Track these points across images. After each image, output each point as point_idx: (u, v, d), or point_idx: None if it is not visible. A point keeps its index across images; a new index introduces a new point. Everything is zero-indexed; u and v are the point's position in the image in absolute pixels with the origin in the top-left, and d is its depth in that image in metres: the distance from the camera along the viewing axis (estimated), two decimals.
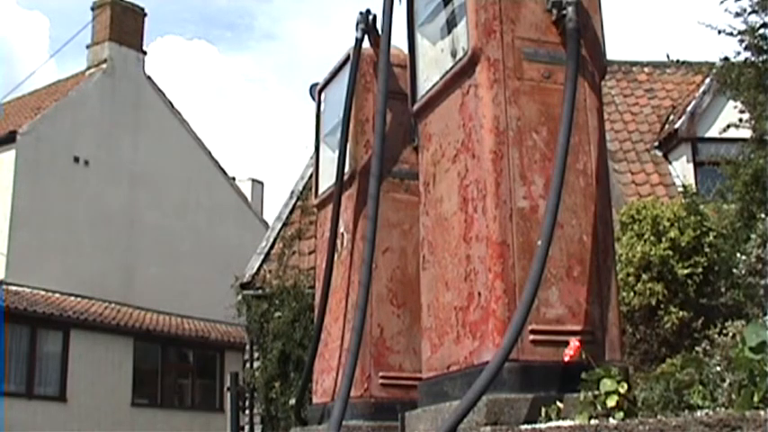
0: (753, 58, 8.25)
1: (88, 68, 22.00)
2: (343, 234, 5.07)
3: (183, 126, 23.35)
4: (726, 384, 2.83)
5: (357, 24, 5.08)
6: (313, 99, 5.73)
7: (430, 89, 3.99)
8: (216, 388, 20.79)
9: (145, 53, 22.80)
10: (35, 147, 19.54)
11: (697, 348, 4.88)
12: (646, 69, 15.76)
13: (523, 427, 3.02)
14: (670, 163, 13.68)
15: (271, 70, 70.22)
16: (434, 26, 4.15)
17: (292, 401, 8.16)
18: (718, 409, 2.72)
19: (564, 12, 3.62)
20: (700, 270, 7.53)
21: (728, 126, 8.99)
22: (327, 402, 4.87)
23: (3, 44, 45.51)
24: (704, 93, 13.34)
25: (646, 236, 7.67)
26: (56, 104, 20.67)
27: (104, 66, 21.70)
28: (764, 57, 8.17)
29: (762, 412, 2.23)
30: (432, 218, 3.91)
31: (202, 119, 55.49)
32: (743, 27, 8.20)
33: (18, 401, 16.85)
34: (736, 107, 9.20)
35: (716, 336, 5.12)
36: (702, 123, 13.35)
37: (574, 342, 3.22)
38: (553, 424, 2.98)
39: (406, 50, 4.37)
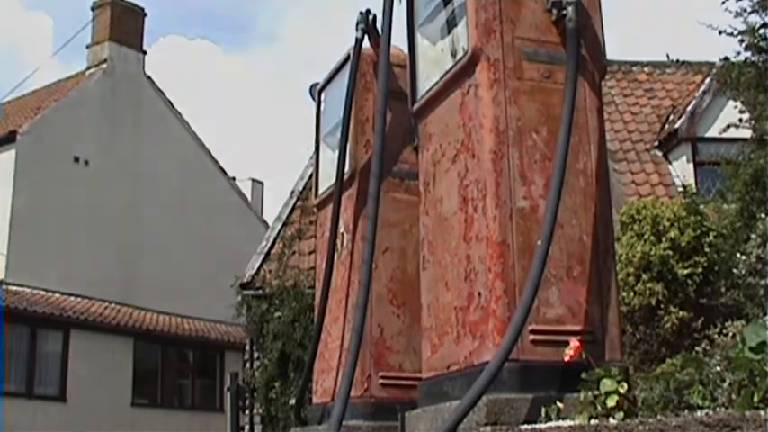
0: (753, 58, 8.25)
1: (88, 68, 22.02)
2: (343, 234, 5.07)
3: (183, 126, 23.35)
4: (726, 384, 2.83)
5: (357, 24, 5.08)
6: (313, 99, 5.73)
7: (430, 89, 3.98)
8: (216, 388, 20.80)
9: (145, 53, 22.82)
10: (35, 147, 19.53)
11: (697, 348, 4.90)
12: (646, 69, 15.77)
13: (523, 427, 3.02)
14: (670, 163, 13.69)
15: (271, 70, 70.24)
16: (434, 26, 4.15)
17: (292, 401, 8.16)
18: (718, 409, 2.72)
19: (564, 12, 3.62)
20: (700, 270, 7.54)
21: (728, 126, 8.99)
22: (327, 402, 4.87)
23: (7, 45, 45.54)
24: (704, 93, 13.35)
25: (646, 236, 7.68)
26: (56, 104, 20.66)
27: (104, 66, 21.71)
28: (764, 57, 8.17)
29: (762, 412, 2.23)
30: (432, 218, 3.91)
31: (203, 119, 55.49)
32: (743, 27, 8.21)
33: (18, 401, 16.86)
34: (736, 107, 9.19)
35: (716, 336, 5.14)
36: (702, 123, 13.35)
37: (574, 342, 3.21)
38: (553, 424, 2.98)
39: (406, 50, 4.37)
